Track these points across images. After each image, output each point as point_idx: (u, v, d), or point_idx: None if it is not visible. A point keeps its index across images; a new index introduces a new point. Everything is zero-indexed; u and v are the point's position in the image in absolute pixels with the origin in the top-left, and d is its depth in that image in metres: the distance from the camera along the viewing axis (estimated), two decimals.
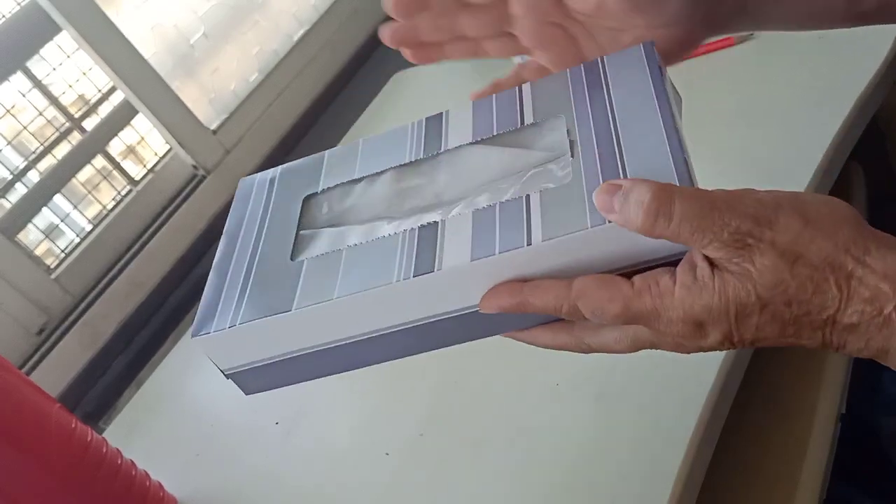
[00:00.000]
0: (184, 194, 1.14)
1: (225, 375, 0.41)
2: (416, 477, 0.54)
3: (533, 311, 0.36)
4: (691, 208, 0.32)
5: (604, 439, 0.50)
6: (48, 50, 1.08)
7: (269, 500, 0.61)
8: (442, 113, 0.44)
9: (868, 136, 0.60)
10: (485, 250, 0.35)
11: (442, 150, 0.42)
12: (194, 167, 1.16)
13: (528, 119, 0.41)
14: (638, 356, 0.47)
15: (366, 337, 0.38)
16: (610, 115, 0.38)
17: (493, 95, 0.43)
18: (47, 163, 1.07)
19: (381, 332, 0.38)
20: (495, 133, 0.41)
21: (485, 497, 0.50)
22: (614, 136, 0.37)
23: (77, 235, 1.08)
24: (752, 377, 0.50)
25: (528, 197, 0.36)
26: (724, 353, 0.48)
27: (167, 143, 1.16)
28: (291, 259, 0.40)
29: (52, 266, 1.04)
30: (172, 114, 1.13)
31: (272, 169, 0.46)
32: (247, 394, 0.42)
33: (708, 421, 0.47)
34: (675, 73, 0.69)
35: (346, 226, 0.42)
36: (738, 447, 0.52)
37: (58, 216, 1.08)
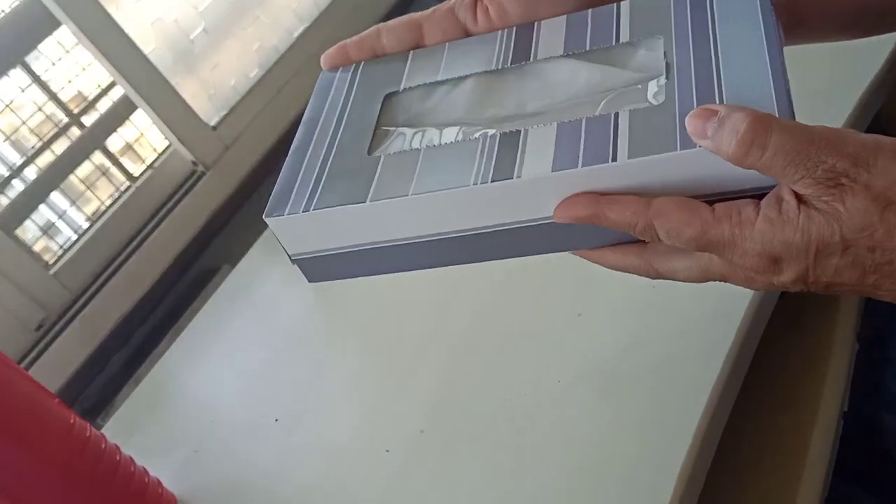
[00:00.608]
0: (183, 190, 1.14)
1: (291, 260, 0.42)
2: (417, 474, 0.54)
3: (608, 225, 0.35)
4: (788, 141, 0.31)
5: (606, 436, 0.50)
6: (47, 45, 1.08)
7: (268, 497, 0.61)
8: (533, 24, 0.43)
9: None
10: (567, 162, 0.35)
11: (530, 60, 0.41)
12: (193, 163, 1.16)
13: (624, 37, 0.40)
14: (641, 351, 0.47)
15: (436, 238, 0.38)
16: (712, 38, 0.37)
17: (589, 11, 0.42)
18: (46, 159, 1.06)
19: (451, 235, 0.38)
20: (588, 49, 0.40)
21: (486, 494, 0.50)
22: (714, 61, 0.36)
23: (75, 232, 1.08)
24: (754, 375, 0.50)
25: (616, 114, 0.35)
26: (727, 348, 0.48)
27: (166, 139, 1.16)
28: (368, 153, 0.40)
29: (51, 262, 1.04)
30: (172, 110, 1.13)
31: (354, 64, 0.46)
32: (310, 281, 0.42)
33: (711, 418, 0.47)
34: None
35: (426, 127, 0.41)
36: (741, 444, 0.51)
37: (56, 213, 1.08)
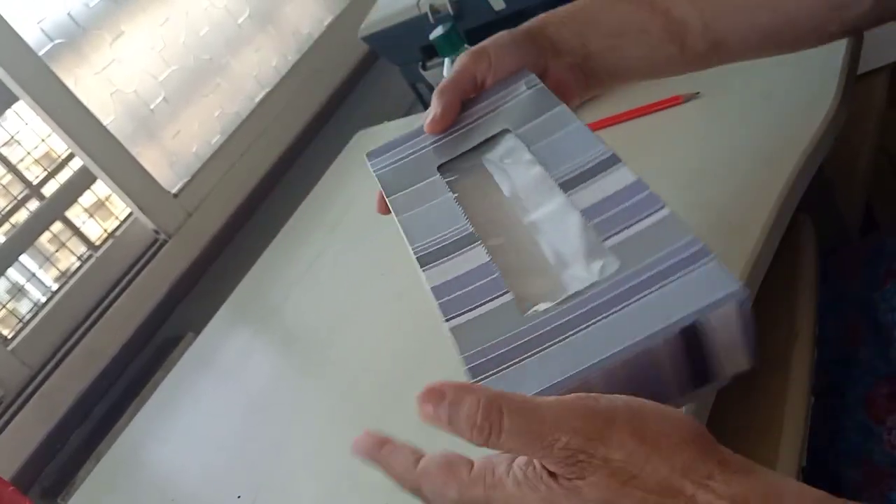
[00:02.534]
0: (145, 259, 1.13)
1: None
2: None
3: (384, 467, 0.36)
4: (520, 424, 0.30)
5: None
6: (6, 116, 1.07)
7: None
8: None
9: (816, 188, 0.61)
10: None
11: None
12: (155, 231, 1.15)
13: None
14: None
15: None
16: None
17: None
18: (4, 230, 1.05)
19: None
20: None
21: None
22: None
23: (34, 304, 1.06)
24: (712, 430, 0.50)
25: None
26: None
27: (128, 207, 1.15)
28: None
29: (9, 337, 1.02)
30: (132, 179, 1.13)
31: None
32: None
33: None
34: (626, 129, 0.71)
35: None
36: None
37: (15, 286, 1.06)
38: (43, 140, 1.11)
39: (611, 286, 0.37)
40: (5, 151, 1.07)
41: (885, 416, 0.56)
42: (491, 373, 0.37)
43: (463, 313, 0.41)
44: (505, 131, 0.49)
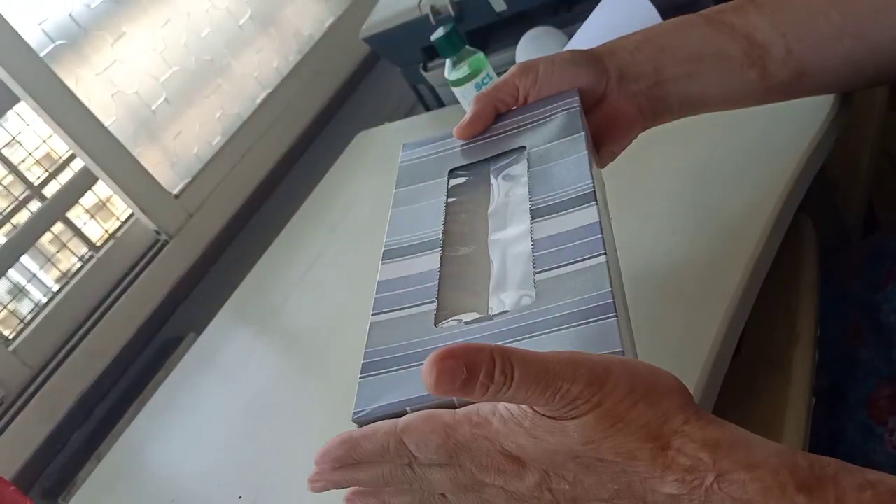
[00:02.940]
0: (146, 260, 1.13)
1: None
2: None
3: (363, 456, 0.36)
4: (527, 374, 0.32)
5: None
6: (7, 118, 1.07)
7: None
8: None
9: (817, 188, 0.61)
10: None
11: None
12: (156, 232, 1.15)
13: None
14: None
15: None
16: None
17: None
18: (5, 230, 1.05)
19: None
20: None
21: None
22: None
23: (35, 305, 1.06)
24: None
25: None
26: None
27: (129, 208, 1.15)
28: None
29: (10, 337, 1.02)
30: (133, 179, 1.13)
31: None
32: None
33: None
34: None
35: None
36: None
37: (16, 287, 1.06)
38: (44, 141, 1.11)
39: (515, 318, 0.39)
40: (6, 152, 1.07)
41: (887, 416, 0.56)
42: (376, 372, 0.39)
43: (388, 312, 0.43)
44: (522, 148, 0.49)
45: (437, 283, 0.43)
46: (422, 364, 0.36)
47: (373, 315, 0.43)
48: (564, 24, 0.85)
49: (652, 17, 0.75)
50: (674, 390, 0.33)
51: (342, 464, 0.37)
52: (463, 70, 0.80)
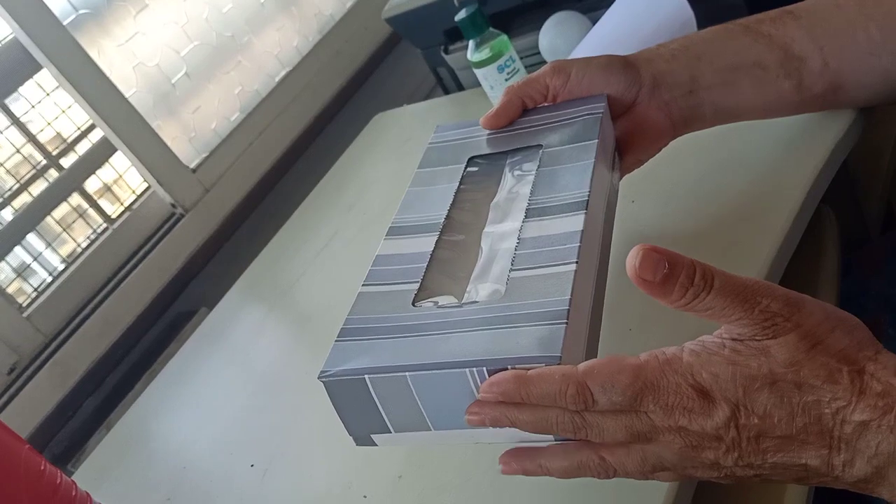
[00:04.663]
0: (161, 232, 1.13)
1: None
2: None
3: (533, 396, 0.35)
4: (728, 284, 0.33)
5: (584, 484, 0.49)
6: (27, 87, 1.08)
7: None
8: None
9: (839, 184, 0.61)
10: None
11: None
12: (173, 205, 1.16)
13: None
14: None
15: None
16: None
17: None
18: (23, 200, 1.06)
19: None
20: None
21: None
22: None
23: (50, 274, 1.07)
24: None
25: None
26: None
27: (146, 181, 1.15)
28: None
29: (25, 304, 1.03)
30: (151, 152, 1.13)
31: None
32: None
33: None
34: None
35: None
36: None
37: (31, 255, 1.07)
38: (63, 111, 1.12)
39: (480, 310, 0.41)
40: (24, 121, 1.07)
41: None
42: (351, 338, 0.42)
43: (376, 285, 0.45)
44: (539, 146, 0.50)
45: (425, 265, 0.45)
46: (390, 338, 0.40)
47: (363, 285, 0.45)
48: (589, 9, 0.85)
49: (676, 2, 0.74)
50: (862, 325, 0.34)
51: (508, 399, 0.36)
52: (485, 52, 0.79)
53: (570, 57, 0.78)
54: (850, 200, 0.72)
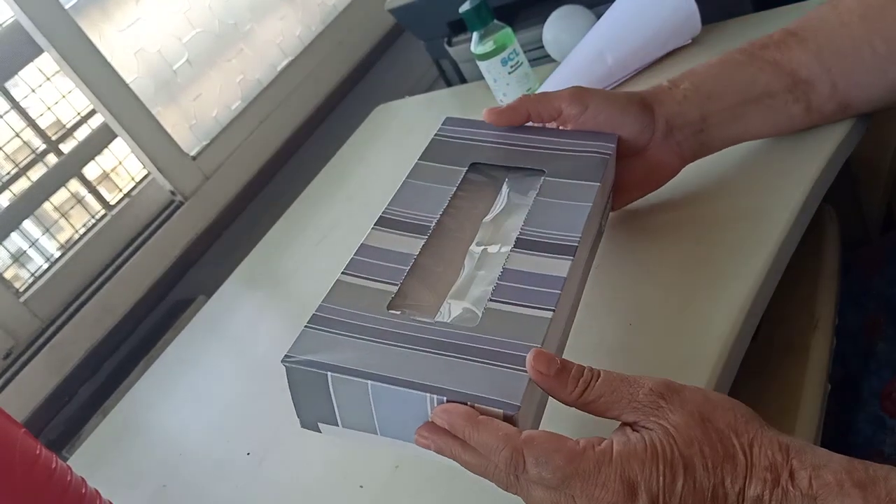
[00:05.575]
0: (160, 219, 1.13)
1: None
2: None
3: (475, 443, 0.37)
4: (609, 375, 0.37)
5: None
6: (27, 72, 1.07)
7: None
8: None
9: (841, 181, 0.61)
10: None
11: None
12: (172, 193, 1.15)
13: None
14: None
15: None
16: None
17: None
18: (21, 185, 1.05)
19: None
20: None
21: None
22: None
23: (46, 260, 1.07)
24: None
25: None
26: None
27: (145, 167, 1.15)
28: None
29: (22, 289, 1.03)
30: (152, 139, 1.13)
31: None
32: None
33: None
34: None
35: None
36: None
37: (28, 240, 1.07)
38: (63, 96, 1.11)
39: (446, 334, 0.41)
40: (24, 105, 1.07)
41: None
42: (321, 327, 0.42)
43: (356, 276, 0.45)
44: (542, 172, 0.50)
45: (407, 269, 0.45)
46: (359, 338, 0.41)
47: (342, 273, 0.45)
48: (593, 3, 0.85)
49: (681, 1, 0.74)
50: (738, 404, 0.37)
51: (453, 431, 0.38)
52: (489, 44, 0.79)
53: (571, 54, 0.78)
54: (850, 200, 0.72)
